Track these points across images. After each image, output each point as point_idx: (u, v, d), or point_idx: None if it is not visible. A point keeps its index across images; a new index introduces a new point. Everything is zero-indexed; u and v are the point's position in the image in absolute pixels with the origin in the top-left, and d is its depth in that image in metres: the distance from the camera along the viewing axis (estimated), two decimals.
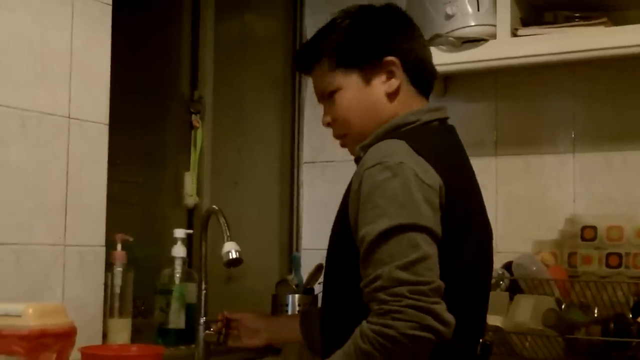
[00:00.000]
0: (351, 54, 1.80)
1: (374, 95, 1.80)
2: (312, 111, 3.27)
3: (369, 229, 1.59)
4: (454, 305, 1.60)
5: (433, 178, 1.62)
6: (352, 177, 1.70)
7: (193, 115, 2.94)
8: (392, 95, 1.80)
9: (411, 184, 1.59)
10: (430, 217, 1.60)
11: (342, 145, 1.88)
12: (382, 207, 1.59)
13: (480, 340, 1.77)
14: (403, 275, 1.53)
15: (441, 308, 1.54)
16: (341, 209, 1.74)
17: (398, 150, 1.64)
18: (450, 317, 1.55)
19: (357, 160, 1.78)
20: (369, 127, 1.79)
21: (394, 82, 1.79)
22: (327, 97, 1.85)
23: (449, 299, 1.59)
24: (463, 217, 1.69)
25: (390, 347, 1.52)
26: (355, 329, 1.58)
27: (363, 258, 1.60)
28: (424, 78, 1.85)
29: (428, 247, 1.57)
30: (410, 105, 1.80)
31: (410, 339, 1.52)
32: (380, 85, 1.79)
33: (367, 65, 1.79)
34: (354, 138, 1.82)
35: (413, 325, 1.51)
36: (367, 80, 1.80)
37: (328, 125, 1.87)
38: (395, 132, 1.75)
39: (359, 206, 1.63)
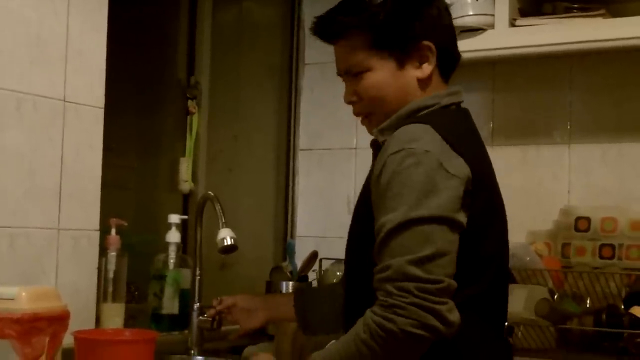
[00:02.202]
0: (388, 37, 1.73)
1: (405, 79, 1.74)
2: (309, 99, 3.27)
3: (388, 218, 1.56)
4: (484, 292, 1.62)
5: (459, 167, 1.59)
6: (375, 162, 1.67)
7: (189, 101, 2.93)
8: (423, 81, 1.74)
9: (435, 173, 1.56)
10: (453, 208, 1.57)
11: (363, 123, 1.82)
12: (403, 195, 1.56)
13: (506, 323, 1.77)
14: (413, 270, 1.52)
15: (446, 308, 1.53)
16: (362, 193, 1.72)
17: (424, 136, 1.61)
18: (454, 317, 1.53)
19: (374, 143, 1.76)
20: (397, 109, 1.73)
21: (427, 68, 1.74)
22: (352, 74, 1.77)
23: (479, 287, 1.61)
24: (489, 204, 1.67)
25: (387, 339, 1.53)
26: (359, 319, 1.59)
27: (378, 245, 1.58)
28: (450, 64, 1.79)
29: (445, 243, 1.55)
30: (434, 90, 1.76)
31: (408, 335, 1.52)
32: (413, 70, 1.74)
33: (403, 48, 1.73)
34: (379, 119, 1.76)
35: (413, 323, 1.51)
36: (401, 64, 1.73)
37: (350, 102, 1.80)
38: (415, 115, 1.71)
39: (380, 193, 1.61)
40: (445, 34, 1.78)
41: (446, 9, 1.81)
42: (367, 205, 1.67)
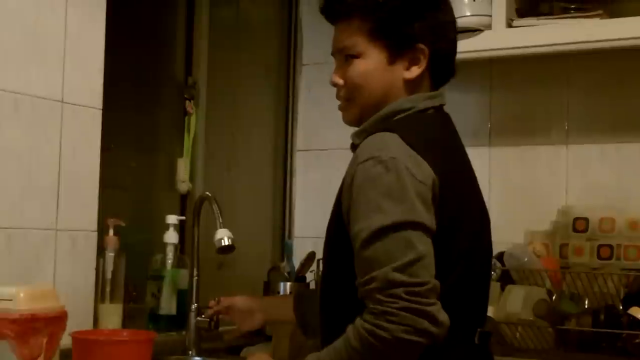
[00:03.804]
0: (387, 29, 1.73)
1: (392, 76, 1.74)
2: (307, 99, 3.27)
3: (363, 226, 1.57)
4: (448, 295, 1.60)
5: (425, 173, 1.60)
6: (346, 171, 1.68)
7: (187, 101, 2.93)
8: (409, 82, 1.74)
9: (404, 179, 1.57)
10: (424, 213, 1.58)
11: (340, 108, 1.81)
12: (376, 202, 1.57)
13: (479, 329, 1.73)
14: (399, 277, 1.52)
15: (436, 309, 1.53)
16: (336, 203, 1.72)
17: (390, 144, 1.61)
18: (444, 318, 1.54)
19: (353, 147, 1.76)
20: (375, 104, 1.74)
21: (415, 71, 1.74)
22: (344, 57, 1.78)
23: (444, 289, 1.59)
24: (458, 208, 1.67)
25: (380, 348, 1.53)
26: (348, 326, 1.58)
27: (357, 255, 1.59)
28: (444, 75, 1.79)
29: (423, 246, 1.56)
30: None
31: (402, 342, 1.52)
32: (402, 69, 1.74)
33: (398, 45, 1.73)
34: (357, 106, 1.77)
35: (407, 329, 1.51)
36: (392, 60, 1.73)
37: (335, 85, 1.80)
38: (390, 119, 1.72)
39: (352, 201, 1.61)
40: (444, 44, 1.78)
41: (453, 22, 1.82)
42: (339, 217, 1.67)
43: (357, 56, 1.75)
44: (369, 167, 1.60)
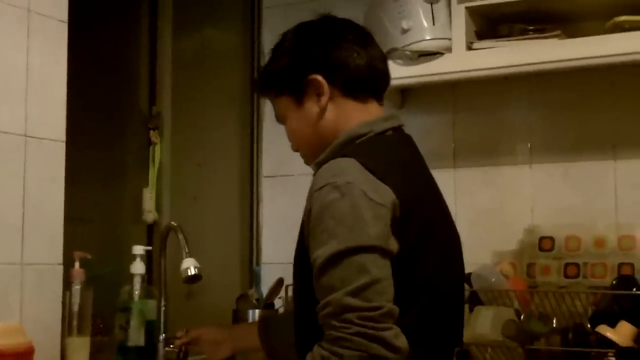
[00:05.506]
0: (278, 82, 1.82)
1: (309, 116, 1.80)
2: (272, 125, 3.26)
3: (319, 253, 1.59)
4: (419, 319, 1.61)
5: (384, 195, 1.61)
6: (306, 198, 1.69)
7: (151, 132, 2.93)
8: (329, 110, 1.79)
9: (360, 204, 1.58)
10: (382, 236, 1.59)
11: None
12: (331, 228, 1.58)
13: (456, 349, 1.74)
14: (352, 301, 1.53)
15: (391, 334, 1.53)
16: (300, 230, 1.73)
17: (347, 169, 1.63)
18: (401, 343, 1.54)
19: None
20: (316, 146, 1.80)
21: (322, 99, 1.78)
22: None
23: (413, 313, 1.60)
24: (422, 230, 1.68)
25: None
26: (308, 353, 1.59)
27: (315, 282, 1.60)
28: (361, 86, 1.80)
29: (378, 270, 1.56)
30: (350, 117, 1.78)
31: None
32: (314, 105, 1.79)
33: (294, 89, 1.80)
34: (307, 155, 1.86)
35: (361, 355, 1.52)
36: (300, 103, 1.80)
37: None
38: (349, 145, 1.74)
39: (310, 229, 1.63)
40: (341, 61, 1.79)
41: (344, 35, 1.82)
42: (302, 244, 1.69)
43: (285, 119, 1.85)
44: (324, 194, 1.61)
